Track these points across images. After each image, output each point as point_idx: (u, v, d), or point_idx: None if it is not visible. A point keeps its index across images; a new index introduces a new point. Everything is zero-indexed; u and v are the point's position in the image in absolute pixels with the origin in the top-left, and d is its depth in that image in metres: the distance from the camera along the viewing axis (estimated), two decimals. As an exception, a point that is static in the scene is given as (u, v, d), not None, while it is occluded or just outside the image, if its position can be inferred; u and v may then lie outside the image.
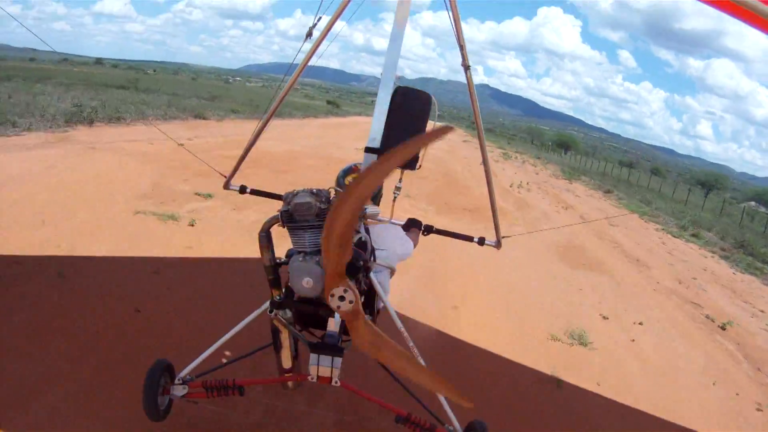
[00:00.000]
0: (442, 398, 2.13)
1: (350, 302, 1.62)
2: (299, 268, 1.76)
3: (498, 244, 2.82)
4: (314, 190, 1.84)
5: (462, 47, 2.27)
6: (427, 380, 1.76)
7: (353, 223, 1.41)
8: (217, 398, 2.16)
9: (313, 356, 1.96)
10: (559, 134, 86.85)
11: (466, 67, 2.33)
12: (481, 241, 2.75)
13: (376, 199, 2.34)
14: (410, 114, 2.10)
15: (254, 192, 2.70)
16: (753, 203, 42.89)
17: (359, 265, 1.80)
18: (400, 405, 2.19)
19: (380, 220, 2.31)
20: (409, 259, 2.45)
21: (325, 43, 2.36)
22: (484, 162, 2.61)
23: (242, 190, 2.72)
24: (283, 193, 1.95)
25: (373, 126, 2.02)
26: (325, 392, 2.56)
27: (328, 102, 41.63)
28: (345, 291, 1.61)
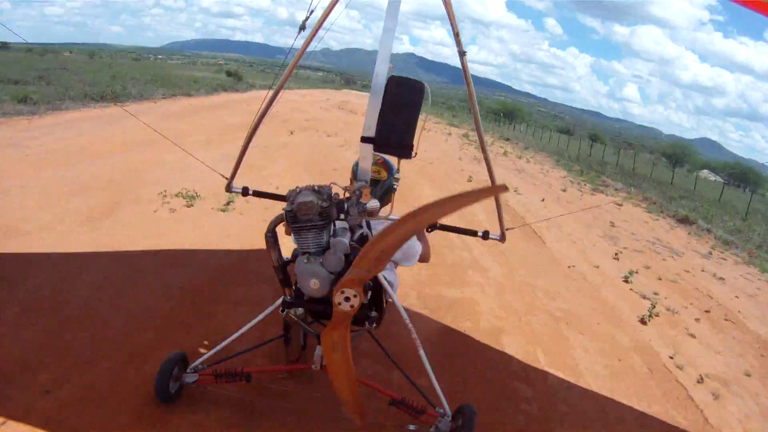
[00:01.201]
0: (435, 383, 2.48)
1: (351, 306, 1.91)
2: (305, 271, 2.02)
3: (502, 237, 3.08)
4: (316, 188, 2.04)
5: (456, 35, 2.50)
6: (348, 397, 2.16)
7: (396, 248, 1.73)
8: (225, 384, 2.48)
9: (319, 347, 2.29)
10: (504, 103, 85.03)
11: (462, 53, 2.55)
12: (485, 235, 3.01)
13: (387, 195, 2.56)
14: (404, 103, 2.32)
15: (257, 194, 2.89)
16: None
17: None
18: (394, 390, 2.61)
19: (380, 217, 2.47)
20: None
21: (321, 32, 2.57)
22: (483, 150, 2.89)
23: (245, 192, 2.89)
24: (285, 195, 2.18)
25: (367, 115, 2.23)
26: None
27: (228, 74, 36.94)
28: (354, 296, 1.89)
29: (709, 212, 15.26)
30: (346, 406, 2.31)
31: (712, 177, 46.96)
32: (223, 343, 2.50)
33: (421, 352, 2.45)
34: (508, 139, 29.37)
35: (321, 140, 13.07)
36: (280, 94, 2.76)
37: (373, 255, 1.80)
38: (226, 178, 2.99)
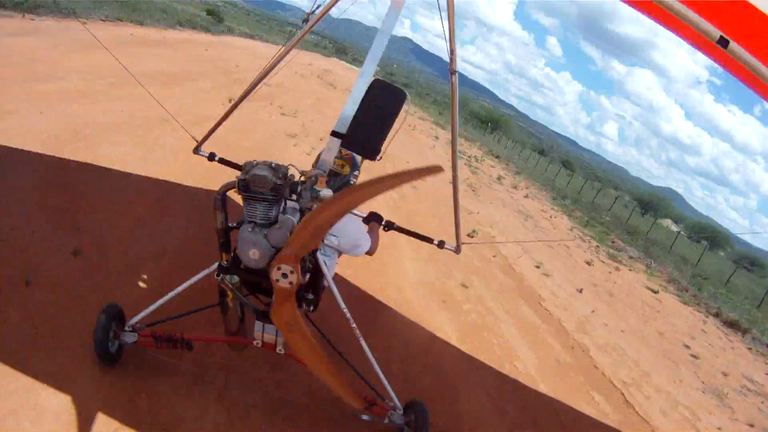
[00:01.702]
0: (381, 376, 2.66)
1: (290, 283, 2.02)
2: (247, 239, 2.13)
3: (458, 249, 3.34)
4: (273, 164, 2.18)
5: (452, 52, 2.65)
6: (326, 376, 2.24)
7: (331, 225, 1.85)
8: (165, 350, 2.57)
9: (258, 324, 2.41)
10: (490, 111, 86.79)
11: (452, 72, 2.71)
12: (441, 245, 3.27)
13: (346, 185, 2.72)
14: (383, 108, 2.47)
15: (222, 161, 3.09)
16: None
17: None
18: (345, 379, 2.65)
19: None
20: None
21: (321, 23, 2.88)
22: (453, 168, 3.09)
23: (211, 157, 3.13)
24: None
25: (344, 111, 2.37)
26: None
27: (209, 12, 34.44)
28: (291, 271, 2.00)
29: (750, 313, 13.86)
30: (339, 394, 2.36)
31: (674, 227, 50.19)
32: (159, 302, 2.56)
33: (363, 343, 2.61)
34: (498, 157, 28.52)
35: (267, 120, 10.20)
36: (273, 71, 2.99)
37: (308, 231, 1.91)
38: (197, 141, 3.16)
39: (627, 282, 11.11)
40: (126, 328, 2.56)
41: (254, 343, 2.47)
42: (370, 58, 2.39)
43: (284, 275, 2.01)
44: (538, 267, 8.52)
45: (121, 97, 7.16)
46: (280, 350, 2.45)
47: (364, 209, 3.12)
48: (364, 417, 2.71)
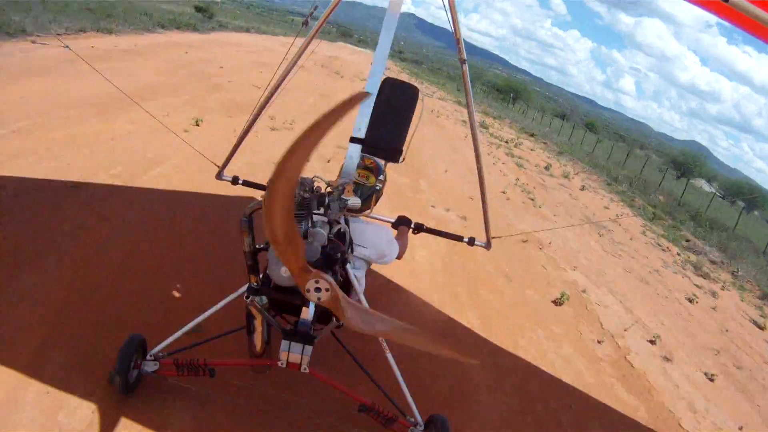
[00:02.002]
0: (405, 390, 2.67)
1: (326, 290, 1.91)
2: (277, 258, 2.06)
3: (488, 245, 3.38)
4: (299, 179, 2.11)
5: (458, 41, 2.63)
6: (426, 344, 2.09)
7: (288, 217, 1.61)
8: (186, 377, 2.58)
9: (284, 343, 2.35)
10: (507, 80, 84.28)
11: (462, 61, 2.70)
12: (471, 241, 3.31)
13: (370, 199, 2.67)
14: (396, 106, 2.51)
15: (246, 183, 3.09)
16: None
17: (337, 257, 2.17)
18: (365, 395, 2.69)
19: (365, 215, 2.70)
20: None
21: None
22: (477, 159, 3.07)
23: (234, 181, 3.14)
24: None
25: (359, 115, 2.39)
26: (293, 377, 2.92)
27: (197, 9, 33.23)
28: (317, 282, 1.89)
29: None
30: (449, 354, 2.23)
31: (707, 187, 48.43)
32: (184, 329, 2.60)
33: (389, 356, 2.62)
34: (533, 135, 25.73)
35: (250, 142, 7.59)
36: (284, 82, 3.03)
37: (275, 224, 1.62)
38: (218, 166, 3.20)
39: (743, 327, 8.41)
40: (147, 358, 2.60)
41: (279, 363, 2.42)
42: (377, 59, 2.38)
43: (317, 290, 1.89)
44: (653, 342, 5.94)
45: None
46: (304, 369, 2.40)
47: (392, 215, 3.21)
48: None
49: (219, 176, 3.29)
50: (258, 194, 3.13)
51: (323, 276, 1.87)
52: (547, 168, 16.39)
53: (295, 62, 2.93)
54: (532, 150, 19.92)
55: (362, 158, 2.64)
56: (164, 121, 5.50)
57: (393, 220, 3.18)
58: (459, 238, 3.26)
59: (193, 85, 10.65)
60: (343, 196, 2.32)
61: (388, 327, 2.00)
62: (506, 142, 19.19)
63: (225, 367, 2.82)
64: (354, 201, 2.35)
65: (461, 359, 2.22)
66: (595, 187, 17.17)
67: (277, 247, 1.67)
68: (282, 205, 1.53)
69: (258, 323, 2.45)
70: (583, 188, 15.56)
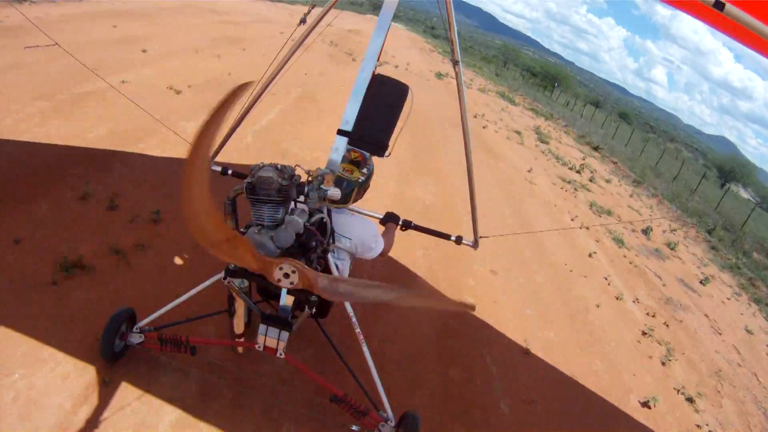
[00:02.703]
0: (378, 385, 2.74)
1: (293, 272, 2.04)
2: (254, 241, 2.15)
3: (475, 244, 3.46)
4: (279, 166, 2.21)
5: (452, 42, 2.72)
6: (418, 300, 2.24)
7: (215, 217, 1.68)
8: (169, 352, 2.74)
9: (262, 326, 2.49)
10: (544, 65, 79.32)
11: (455, 62, 2.80)
12: (459, 240, 3.38)
13: (352, 192, 2.69)
14: (385, 102, 2.58)
15: (236, 174, 3.16)
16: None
17: (311, 245, 2.26)
18: (340, 386, 2.77)
19: (351, 209, 2.76)
20: None
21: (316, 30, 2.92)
22: (467, 160, 3.15)
23: (224, 171, 3.17)
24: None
25: (347, 108, 2.45)
26: (272, 362, 3.07)
27: None
28: (280, 268, 2.03)
29: None
30: (448, 305, 2.43)
31: (744, 193, 46.36)
32: (171, 305, 2.74)
33: (365, 349, 2.69)
34: (596, 148, 20.32)
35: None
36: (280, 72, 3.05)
37: (205, 221, 1.71)
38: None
39: None
40: (134, 330, 2.78)
41: (256, 346, 2.56)
42: (369, 55, 2.46)
43: (285, 275, 2.04)
44: None
45: None
46: (280, 354, 2.54)
47: (381, 210, 3.26)
48: (354, 428, 2.80)
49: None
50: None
51: (286, 260, 1.99)
52: (646, 233, 10.51)
53: (291, 56, 2.99)
54: (607, 181, 14.68)
55: (349, 151, 2.70)
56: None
57: (381, 216, 3.22)
58: (447, 237, 3.34)
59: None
60: (322, 186, 2.36)
61: (375, 291, 2.04)
62: (578, 171, 13.86)
63: (207, 346, 2.96)
64: (333, 192, 2.38)
65: (459, 308, 2.45)
66: (665, 218, 13.23)
67: (221, 249, 1.76)
68: (198, 209, 1.59)
69: (239, 305, 2.57)
70: (705, 280, 9.46)
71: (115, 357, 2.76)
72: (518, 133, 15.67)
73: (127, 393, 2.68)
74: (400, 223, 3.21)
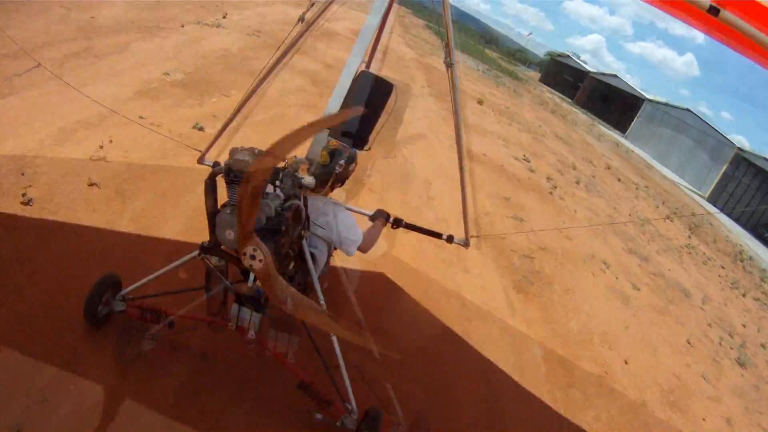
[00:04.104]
0: (345, 377, 2.83)
1: (260, 261, 2.19)
2: (224, 221, 2.31)
3: (466, 243, 3.62)
4: (255, 151, 2.35)
5: (448, 44, 2.84)
6: (342, 331, 2.42)
7: (257, 194, 1.99)
8: (148, 322, 2.90)
9: (234, 306, 2.65)
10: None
11: (449, 65, 2.90)
12: (450, 239, 3.54)
13: (327, 181, 2.85)
14: (370, 99, 2.75)
15: None
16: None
17: (279, 228, 2.37)
18: (309, 374, 2.87)
19: (316, 193, 2.87)
20: None
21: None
22: (460, 160, 3.27)
23: (215, 166, 3.37)
24: None
25: (330, 103, 2.60)
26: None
27: None
28: (254, 250, 2.18)
29: None
30: (363, 343, 2.52)
31: None
32: (153, 275, 2.88)
33: (334, 339, 2.79)
34: None
35: None
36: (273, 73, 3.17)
37: (246, 204, 2.03)
38: (200, 151, 3.44)
39: None
40: (117, 297, 2.94)
41: (229, 325, 2.70)
42: (356, 50, 2.58)
43: (252, 257, 2.19)
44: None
45: None
46: (251, 335, 2.66)
47: (370, 208, 3.36)
48: (318, 416, 2.91)
49: (201, 161, 3.51)
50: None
51: (261, 246, 2.15)
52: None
53: (285, 54, 3.12)
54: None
55: (328, 141, 2.83)
56: None
57: (371, 213, 3.30)
58: (438, 236, 3.47)
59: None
60: (297, 174, 2.46)
61: (315, 316, 2.31)
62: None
63: (186, 321, 3.05)
64: (308, 180, 2.47)
65: (386, 353, 2.61)
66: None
67: (238, 209, 2.03)
68: (256, 184, 1.93)
69: (214, 283, 2.67)
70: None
71: (99, 322, 2.93)
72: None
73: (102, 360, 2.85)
74: (391, 220, 3.30)
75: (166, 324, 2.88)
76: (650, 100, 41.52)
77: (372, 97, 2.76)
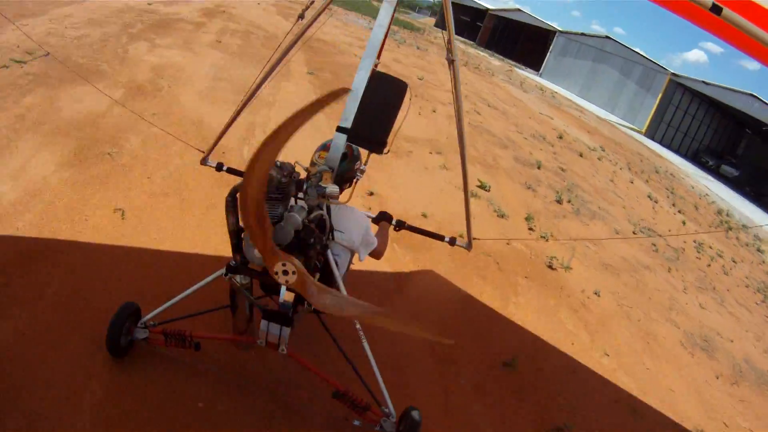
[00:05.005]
0: (380, 380, 3.25)
1: (293, 273, 2.44)
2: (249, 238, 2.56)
3: (469, 246, 4.08)
4: (278, 163, 2.66)
5: (449, 42, 3.20)
6: (399, 326, 2.73)
7: (260, 202, 2.16)
8: (173, 347, 3.27)
9: (263, 322, 3.00)
10: None
11: (451, 61, 3.25)
12: (452, 242, 3.98)
13: (351, 180, 3.28)
14: (384, 100, 3.11)
15: (231, 171, 3.78)
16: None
17: (309, 241, 2.70)
18: (342, 381, 3.29)
19: (339, 202, 3.19)
20: None
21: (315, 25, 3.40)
22: (462, 163, 3.65)
23: (219, 167, 3.81)
24: None
25: (346, 106, 2.94)
26: (274, 357, 3.69)
27: None
28: (284, 265, 2.42)
29: None
30: (422, 333, 3.03)
31: None
32: (174, 300, 3.30)
33: (365, 345, 3.24)
34: None
35: None
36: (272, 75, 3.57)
37: (253, 218, 2.21)
38: (202, 152, 3.89)
39: None
40: (139, 325, 3.32)
41: (258, 342, 3.06)
42: (368, 51, 2.91)
43: (284, 272, 2.44)
44: None
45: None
46: (282, 350, 3.04)
47: (373, 210, 3.75)
48: (356, 422, 3.37)
49: (204, 162, 3.94)
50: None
51: (290, 259, 2.42)
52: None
53: (287, 52, 3.52)
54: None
55: (329, 142, 3.17)
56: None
57: (374, 216, 3.75)
58: (441, 238, 3.92)
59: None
60: (321, 183, 2.84)
61: (359, 310, 2.59)
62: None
63: (211, 342, 3.49)
64: (332, 189, 2.83)
65: (435, 339, 2.96)
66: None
67: (248, 228, 2.26)
68: (255, 190, 2.08)
69: (240, 301, 3.05)
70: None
71: (122, 352, 3.28)
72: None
73: (131, 389, 3.21)
74: (393, 222, 3.77)
75: (192, 346, 3.25)
76: (561, 32, 43.59)
77: (387, 97, 3.08)
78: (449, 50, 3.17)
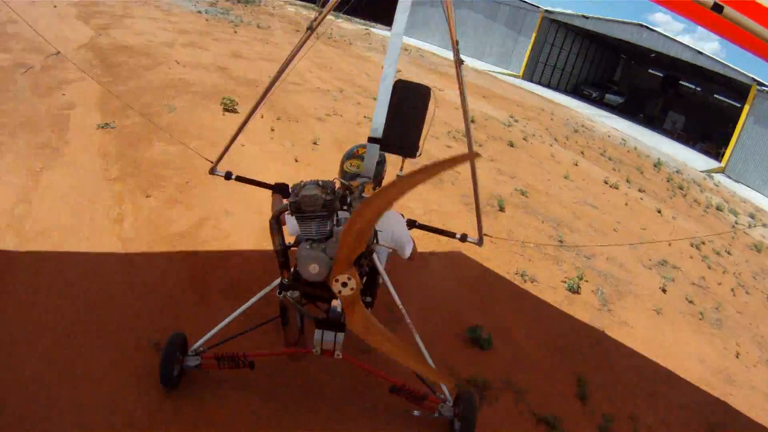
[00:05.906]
0: (433, 368, 3.62)
1: (351, 289, 2.91)
2: (307, 256, 3.06)
3: (480, 242, 4.75)
4: (320, 182, 3.11)
5: (455, 43, 3.86)
6: (412, 364, 3.28)
7: (371, 227, 2.70)
8: (228, 370, 3.78)
9: (317, 331, 3.53)
10: None
11: (459, 62, 3.89)
12: (463, 238, 4.59)
13: (381, 182, 3.89)
14: (410, 106, 3.74)
15: (240, 179, 4.29)
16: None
17: (364, 251, 3.05)
18: (394, 374, 3.88)
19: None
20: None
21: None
22: (470, 161, 4.25)
23: (228, 176, 4.33)
24: (270, 182, 3.79)
25: (375, 117, 3.54)
26: (325, 364, 4.24)
27: None
28: (348, 279, 2.89)
29: None
30: (430, 376, 3.58)
31: None
32: (221, 324, 3.82)
33: (417, 337, 3.90)
34: None
35: None
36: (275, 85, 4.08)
37: (351, 237, 2.75)
38: (211, 162, 4.44)
39: None
40: (189, 353, 3.81)
41: (313, 351, 3.56)
42: (389, 61, 3.48)
43: (344, 284, 2.90)
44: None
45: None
46: (338, 355, 3.57)
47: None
48: (416, 413, 3.95)
49: (212, 171, 4.44)
50: (248, 189, 4.51)
51: (356, 276, 2.90)
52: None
53: (294, 54, 4.04)
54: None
55: (356, 149, 3.87)
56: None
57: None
58: (452, 235, 4.54)
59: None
60: (364, 194, 3.49)
61: (383, 339, 3.12)
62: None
63: (263, 358, 3.99)
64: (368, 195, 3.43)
65: (440, 381, 3.74)
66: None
67: (348, 237, 2.70)
68: (373, 213, 2.60)
69: (291, 314, 3.59)
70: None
71: (175, 383, 3.77)
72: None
73: (192, 417, 3.72)
74: (404, 221, 4.33)
75: (247, 365, 3.76)
76: (410, -19, 45.11)
77: (412, 103, 3.67)
78: (455, 51, 3.85)
